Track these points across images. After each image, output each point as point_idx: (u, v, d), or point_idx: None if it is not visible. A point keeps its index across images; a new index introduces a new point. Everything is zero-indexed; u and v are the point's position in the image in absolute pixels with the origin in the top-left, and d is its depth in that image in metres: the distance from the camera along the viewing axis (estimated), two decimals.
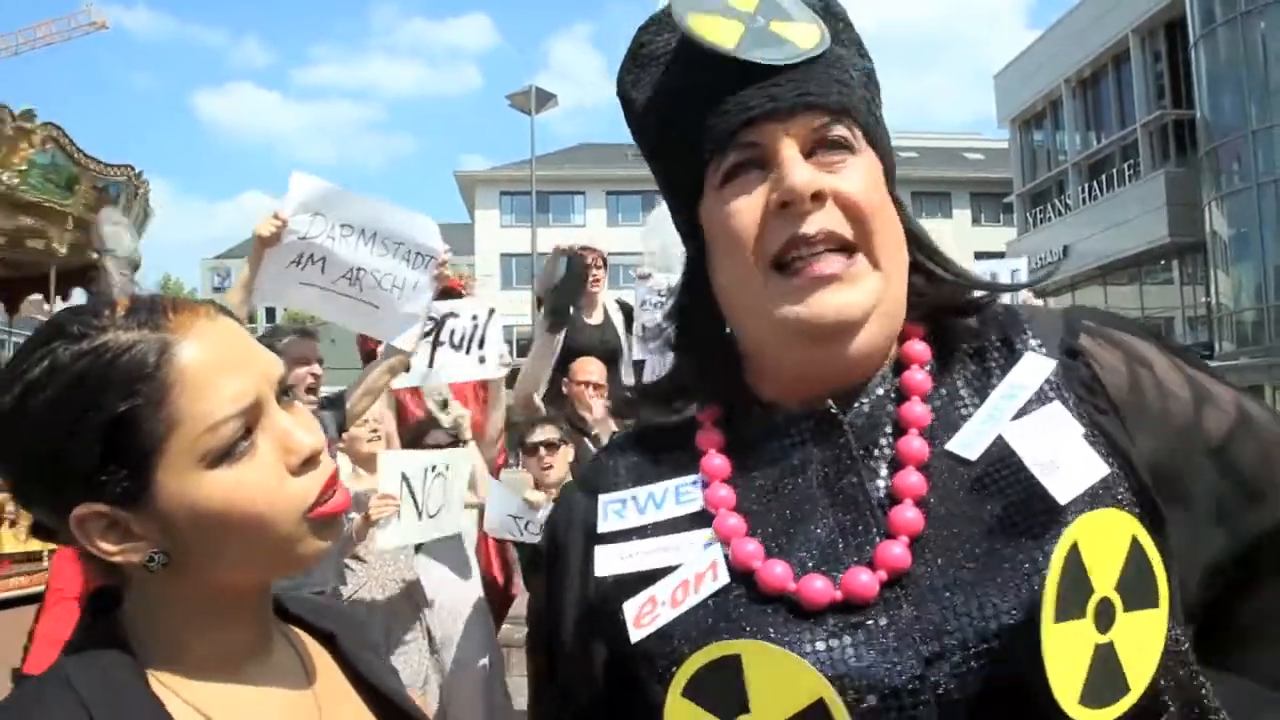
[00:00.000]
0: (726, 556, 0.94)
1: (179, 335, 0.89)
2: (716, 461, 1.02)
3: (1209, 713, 0.87)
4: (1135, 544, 0.81)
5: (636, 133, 1.11)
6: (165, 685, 0.90)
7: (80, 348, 0.86)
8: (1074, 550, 0.79)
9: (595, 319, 5.57)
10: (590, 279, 5.48)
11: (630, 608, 0.94)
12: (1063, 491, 0.83)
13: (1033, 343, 0.99)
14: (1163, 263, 30.71)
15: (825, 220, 0.93)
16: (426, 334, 4.38)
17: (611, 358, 5.31)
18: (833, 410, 0.98)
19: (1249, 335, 25.84)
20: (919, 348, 1.02)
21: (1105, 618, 0.78)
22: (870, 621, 0.85)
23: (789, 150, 0.94)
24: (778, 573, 0.90)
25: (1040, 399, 0.93)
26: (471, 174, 50.34)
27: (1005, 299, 1.09)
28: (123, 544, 0.89)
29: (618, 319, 5.57)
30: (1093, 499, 0.85)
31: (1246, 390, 1.04)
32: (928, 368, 1.01)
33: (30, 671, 3.96)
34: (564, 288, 4.99)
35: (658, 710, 0.86)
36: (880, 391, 0.99)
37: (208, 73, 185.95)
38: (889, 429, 0.97)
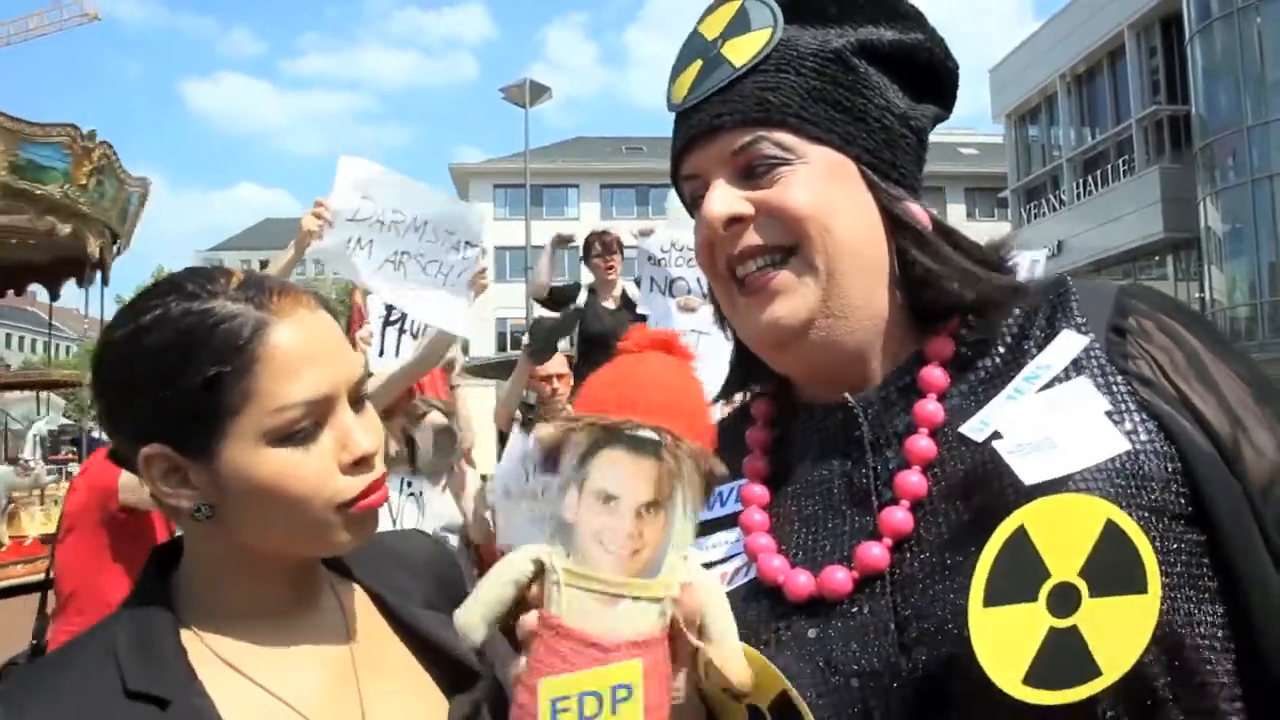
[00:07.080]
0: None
1: (277, 318, 0.96)
2: (758, 463, 1.10)
3: (1219, 700, 0.85)
4: (1111, 529, 0.80)
5: None
6: (198, 636, 0.98)
7: (190, 306, 0.94)
8: (1020, 534, 0.82)
9: (611, 304, 5.71)
10: (606, 266, 5.73)
11: None
12: (1040, 471, 0.84)
13: (1077, 319, 0.97)
14: (1157, 258, 30.75)
15: (753, 236, 0.99)
16: (392, 322, 4.26)
17: None
18: (849, 403, 1.02)
19: (1243, 331, 25.85)
20: (941, 343, 1.02)
21: (1064, 602, 0.80)
22: (855, 609, 0.92)
23: (716, 177, 1.00)
24: (775, 565, 0.98)
25: (1066, 376, 0.93)
26: (465, 166, 50.29)
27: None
28: (178, 489, 0.97)
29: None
30: (1107, 475, 0.85)
31: None
32: (950, 363, 1.01)
33: None
34: (559, 326, 5.12)
35: None
36: (899, 385, 1.01)
37: (197, 63, 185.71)
38: (907, 421, 0.98)
